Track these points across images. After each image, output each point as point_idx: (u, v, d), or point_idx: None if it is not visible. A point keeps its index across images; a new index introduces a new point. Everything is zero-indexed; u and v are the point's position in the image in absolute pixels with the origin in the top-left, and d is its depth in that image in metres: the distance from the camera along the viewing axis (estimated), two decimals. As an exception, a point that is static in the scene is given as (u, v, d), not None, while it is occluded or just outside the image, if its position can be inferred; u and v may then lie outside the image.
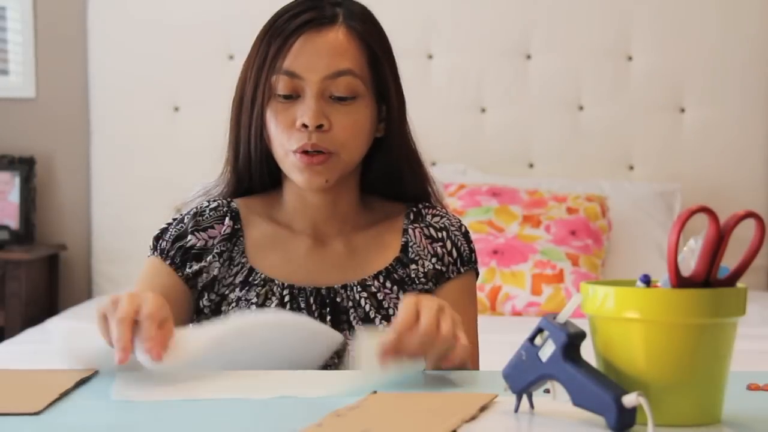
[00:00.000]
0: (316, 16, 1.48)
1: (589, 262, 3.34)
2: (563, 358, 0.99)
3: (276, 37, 1.47)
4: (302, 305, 1.49)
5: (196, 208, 1.55)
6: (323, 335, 1.36)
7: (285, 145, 1.47)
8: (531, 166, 3.88)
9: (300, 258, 1.53)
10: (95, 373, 1.25)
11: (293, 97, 1.47)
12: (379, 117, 1.53)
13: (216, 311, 1.50)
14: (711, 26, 3.82)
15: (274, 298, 1.49)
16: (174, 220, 1.55)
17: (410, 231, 1.55)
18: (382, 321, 1.48)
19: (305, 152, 1.45)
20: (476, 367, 1.48)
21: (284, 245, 1.53)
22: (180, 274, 1.50)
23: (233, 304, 1.49)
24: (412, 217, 1.56)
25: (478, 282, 1.64)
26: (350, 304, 1.49)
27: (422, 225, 1.56)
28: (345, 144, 1.47)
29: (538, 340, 1.01)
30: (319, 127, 1.45)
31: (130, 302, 1.22)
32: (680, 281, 0.99)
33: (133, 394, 1.16)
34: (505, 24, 3.85)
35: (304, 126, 1.45)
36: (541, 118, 3.85)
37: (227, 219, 1.53)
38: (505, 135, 3.86)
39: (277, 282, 1.49)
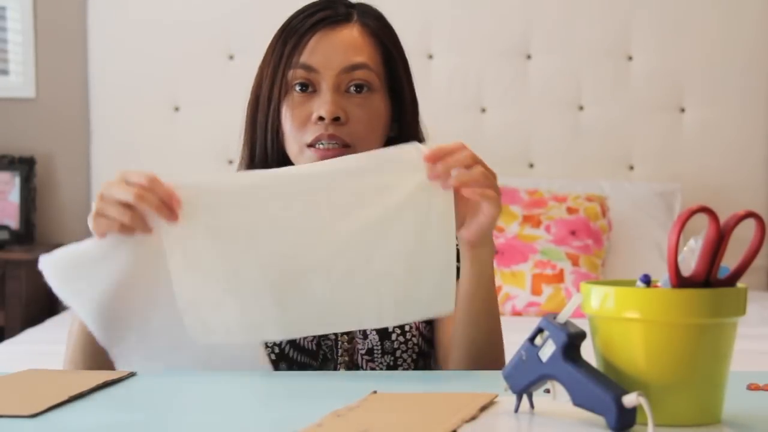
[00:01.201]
0: (330, 15, 1.50)
1: (589, 262, 3.34)
2: (563, 358, 0.99)
3: (291, 35, 1.49)
4: None
5: None
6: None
7: (300, 139, 1.47)
8: (531, 166, 3.88)
9: None
10: (119, 379, 1.22)
11: (309, 89, 1.47)
12: (393, 116, 1.53)
13: None
14: (711, 26, 3.82)
15: None
16: None
17: None
18: None
19: (319, 147, 1.45)
20: (500, 344, 1.45)
21: None
22: None
23: None
24: None
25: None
26: None
27: None
28: (361, 137, 1.47)
29: (538, 340, 1.01)
30: (336, 119, 1.45)
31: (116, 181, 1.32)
32: (680, 281, 0.99)
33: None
34: (505, 24, 3.85)
35: (321, 119, 1.45)
36: (541, 118, 3.85)
37: None
38: (505, 135, 3.86)
39: None
